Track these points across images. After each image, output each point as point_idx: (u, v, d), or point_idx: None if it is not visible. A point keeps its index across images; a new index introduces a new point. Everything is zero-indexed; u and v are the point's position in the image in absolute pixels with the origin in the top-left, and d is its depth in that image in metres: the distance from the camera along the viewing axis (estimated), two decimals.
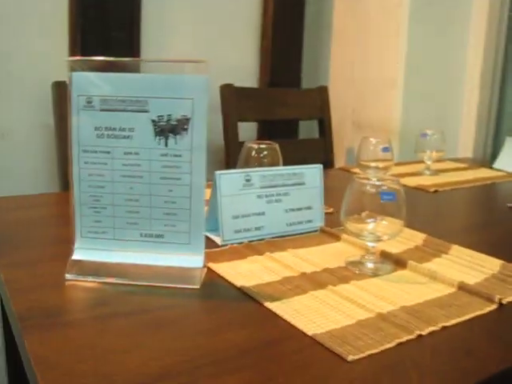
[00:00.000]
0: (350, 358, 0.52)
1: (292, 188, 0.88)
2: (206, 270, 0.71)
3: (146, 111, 0.67)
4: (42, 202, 1.08)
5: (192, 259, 0.68)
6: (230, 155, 1.63)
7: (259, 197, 0.85)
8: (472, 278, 0.73)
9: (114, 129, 0.67)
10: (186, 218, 0.68)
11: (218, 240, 0.82)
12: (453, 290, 0.69)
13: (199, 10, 1.88)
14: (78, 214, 0.70)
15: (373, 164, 1.27)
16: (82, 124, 0.68)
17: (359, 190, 0.73)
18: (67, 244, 0.71)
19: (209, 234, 0.82)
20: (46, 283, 0.67)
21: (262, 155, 1.00)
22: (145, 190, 0.68)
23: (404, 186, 0.76)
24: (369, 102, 1.95)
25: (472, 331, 0.60)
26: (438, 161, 1.49)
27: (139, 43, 1.73)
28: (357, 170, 1.34)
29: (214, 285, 0.69)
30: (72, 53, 1.62)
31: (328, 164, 1.76)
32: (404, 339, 0.56)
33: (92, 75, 0.67)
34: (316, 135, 1.88)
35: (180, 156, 0.67)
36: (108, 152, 0.68)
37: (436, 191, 1.28)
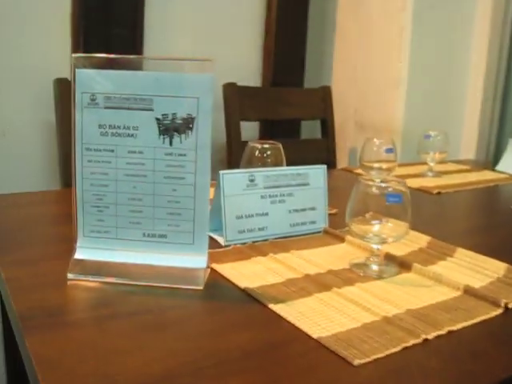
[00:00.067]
0: (356, 362, 0.52)
1: (296, 188, 0.87)
2: (209, 270, 0.70)
3: (150, 109, 0.66)
4: (43, 199, 1.08)
5: (195, 260, 0.67)
6: (232, 154, 1.62)
7: (263, 197, 0.84)
8: (477, 282, 0.73)
9: (118, 127, 0.67)
10: (190, 218, 0.67)
11: (221, 240, 0.81)
12: (458, 293, 0.69)
13: (202, 9, 1.87)
14: (81, 213, 0.69)
15: (376, 165, 1.26)
16: (85, 122, 0.67)
17: (365, 192, 0.72)
18: (69, 242, 0.71)
19: (212, 234, 0.81)
20: (48, 282, 0.67)
21: (265, 155, 0.99)
22: (148, 189, 0.67)
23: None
24: (371, 103, 1.94)
25: (478, 336, 0.60)
26: (441, 162, 1.49)
27: (142, 41, 1.72)
28: (360, 171, 1.34)
29: (217, 286, 0.68)
30: (74, 50, 1.62)
31: (330, 164, 1.75)
32: (410, 343, 0.56)
33: (96, 72, 0.66)
34: (318, 135, 1.87)
35: (184, 155, 0.66)
36: (112, 150, 0.67)
37: (439, 193, 1.27)
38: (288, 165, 1.00)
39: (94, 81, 0.66)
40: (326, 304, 0.64)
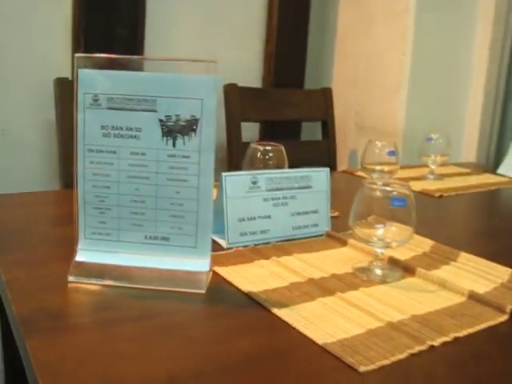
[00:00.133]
0: (362, 368, 0.51)
1: (299, 191, 0.87)
2: (211, 273, 0.69)
3: (153, 111, 0.65)
4: (43, 199, 1.07)
5: (198, 263, 0.67)
6: (233, 154, 1.61)
7: (265, 200, 0.84)
8: (481, 287, 0.72)
9: (121, 128, 0.66)
10: (193, 221, 0.67)
11: (222, 242, 0.81)
12: (463, 298, 0.68)
13: (203, 9, 1.86)
14: (82, 215, 0.68)
15: (378, 167, 1.25)
16: (88, 122, 0.66)
17: (369, 196, 0.72)
18: (69, 244, 0.70)
19: (213, 236, 0.81)
20: (49, 284, 0.66)
21: (267, 157, 0.98)
22: (151, 191, 0.67)
23: None
24: (372, 105, 1.93)
25: (484, 342, 0.59)
26: (442, 165, 1.48)
27: (143, 41, 1.71)
28: (361, 174, 1.33)
29: (220, 289, 0.67)
30: (75, 49, 1.61)
31: (330, 166, 1.74)
32: (416, 350, 0.55)
33: (99, 73, 0.65)
34: (318, 137, 1.86)
35: (188, 157, 0.65)
36: (114, 152, 0.66)
37: (441, 196, 1.26)
38: (288, 166, 0.99)
39: (97, 81, 0.65)
40: (329, 309, 0.63)
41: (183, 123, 0.65)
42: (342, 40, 2.07)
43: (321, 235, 0.89)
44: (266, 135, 1.96)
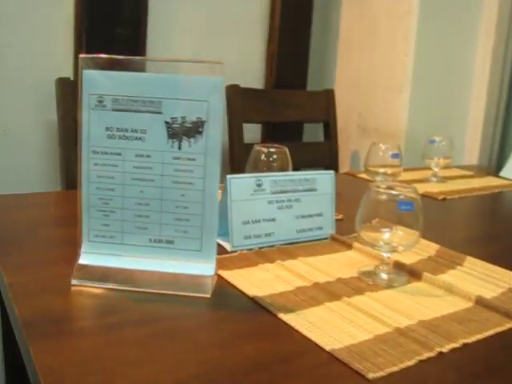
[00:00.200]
0: (371, 375, 0.50)
1: (303, 194, 0.86)
2: (216, 277, 0.68)
3: (159, 112, 0.64)
4: (44, 200, 1.06)
5: (203, 267, 0.66)
6: (235, 156, 1.61)
7: (270, 202, 0.83)
8: (488, 292, 0.71)
9: (126, 130, 0.65)
10: (198, 224, 0.66)
11: (226, 245, 0.80)
12: (470, 304, 0.68)
13: (206, 10, 1.85)
14: (86, 217, 0.68)
15: (381, 170, 1.25)
16: (92, 124, 0.65)
17: (376, 199, 0.71)
18: (72, 246, 0.69)
19: (217, 239, 0.80)
20: (52, 288, 0.65)
21: (271, 159, 0.98)
22: (156, 193, 0.66)
23: None
24: (375, 107, 1.93)
25: (493, 348, 0.58)
26: (445, 167, 1.48)
27: (145, 41, 1.70)
28: (364, 176, 1.32)
29: (225, 293, 0.66)
30: (77, 49, 1.60)
31: (332, 168, 1.74)
32: (425, 356, 0.54)
33: (104, 74, 0.64)
34: (320, 138, 1.86)
35: (194, 160, 0.64)
36: (119, 154, 0.65)
37: (444, 199, 1.26)
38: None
39: (102, 82, 0.64)
40: (336, 314, 0.62)
41: (189, 125, 0.64)
42: (344, 41, 2.07)
43: (325, 238, 0.88)
44: (268, 136, 1.96)
